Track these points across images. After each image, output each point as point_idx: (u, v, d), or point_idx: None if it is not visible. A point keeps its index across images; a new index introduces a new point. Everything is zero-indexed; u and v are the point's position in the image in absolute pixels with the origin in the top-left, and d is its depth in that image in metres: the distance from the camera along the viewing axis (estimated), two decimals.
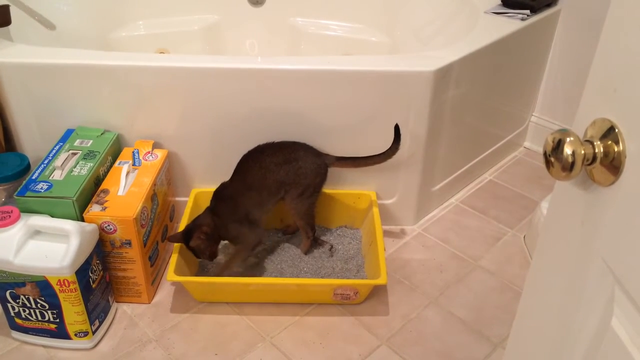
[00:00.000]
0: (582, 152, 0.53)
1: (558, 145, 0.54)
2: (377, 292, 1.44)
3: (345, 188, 1.59)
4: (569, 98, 1.87)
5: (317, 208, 1.50)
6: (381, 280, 1.33)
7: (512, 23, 1.64)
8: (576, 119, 0.59)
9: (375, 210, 1.53)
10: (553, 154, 0.54)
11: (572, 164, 0.53)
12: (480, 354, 1.30)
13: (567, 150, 0.53)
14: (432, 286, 1.47)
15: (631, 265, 0.52)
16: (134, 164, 1.41)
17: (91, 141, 1.42)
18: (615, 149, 0.52)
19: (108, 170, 1.40)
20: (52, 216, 1.26)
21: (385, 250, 1.41)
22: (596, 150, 0.54)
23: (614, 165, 0.53)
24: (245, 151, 1.50)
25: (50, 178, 1.30)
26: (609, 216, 0.55)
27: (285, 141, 1.46)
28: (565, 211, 0.63)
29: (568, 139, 0.53)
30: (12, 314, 1.26)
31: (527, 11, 1.69)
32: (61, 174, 1.31)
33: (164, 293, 1.44)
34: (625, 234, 0.52)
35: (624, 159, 0.52)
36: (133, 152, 1.45)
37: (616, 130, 0.53)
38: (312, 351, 1.30)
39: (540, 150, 1.99)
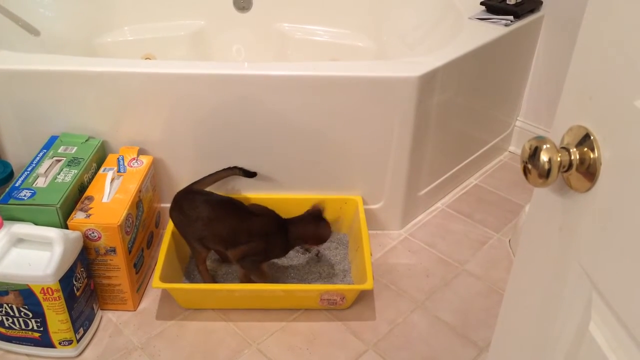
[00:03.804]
0: (559, 159, 0.54)
1: (535, 153, 0.54)
2: (364, 297, 1.45)
3: (332, 193, 1.60)
4: (552, 103, 1.89)
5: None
6: (367, 285, 1.33)
7: (496, 29, 1.66)
8: (553, 126, 0.60)
9: (362, 215, 1.53)
10: (530, 161, 0.55)
11: (549, 170, 0.54)
12: (467, 358, 1.31)
13: (544, 157, 0.54)
14: (418, 291, 1.48)
15: (607, 271, 0.52)
16: (118, 171, 1.41)
17: (75, 148, 1.41)
18: (591, 156, 0.53)
19: (92, 177, 1.39)
20: (36, 224, 1.25)
21: (371, 255, 1.42)
22: (572, 157, 0.54)
23: (589, 171, 0.54)
24: (232, 157, 1.51)
25: (34, 185, 1.29)
26: (586, 222, 0.55)
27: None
28: (543, 217, 0.64)
29: (544, 146, 0.54)
30: None
31: (511, 17, 1.70)
32: (45, 181, 1.30)
33: (150, 300, 1.43)
34: (601, 239, 0.53)
35: (599, 166, 0.52)
36: (118, 158, 1.44)
37: (592, 137, 0.53)
38: (298, 357, 1.30)
39: None
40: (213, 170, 1.49)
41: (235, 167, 1.51)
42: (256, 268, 1.38)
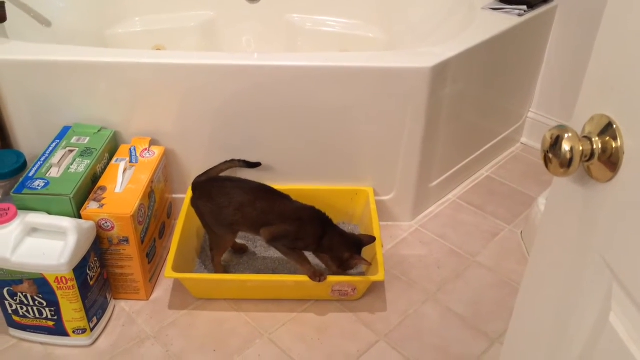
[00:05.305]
0: (580, 148, 0.53)
1: (556, 142, 0.54)
2: (375, 289, 1.45)
3: (343, 184, 1.59)
4: (565, 94, 1.88)
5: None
6: (379, 277, 1.33)
7: (509, 19, 1.64)
8: (574, 115, 0.59)
9: (373, 206, 1.53)
10: (551, 151, 0.54)
11: (570, 160, 0.53)
12: (478, 350, 1.30)
13: (565, 146, 0.53)
14: (429, 282, 1.48)
15: (629, 261, 0.52)
16: (131, 161, 1.41)
17: (88, 138, 1.42)
18: (613, 145, 0.53)
19: (105, 168, 1.39)
20: (50, 214, 1.25)
21: (382, 246, 1.41)
22: (594, 147, 0.54)
23: (611, 161, 0.53)
24: (242, 148, 1.51)
25: (47, 175, 1.29)
26: (607, 212, 0.55)
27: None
28: (563, 207, 0.63)
29: (566, 135, 0.53)
30: (10, 312, 1.26)
31: (524, 7, 1.69)
32: (58, 171, 1.31)
33: (162, 290, 1.44)
34: (622, 230, 0.53)
35: (622, 155, 0.52)
36: (130, 149, 1.45)
37: (614, 126, 0.53)
38: (310, 347, 1.30)
39: (538, 146, 2.00)
40: (222, 160, 1.49)
41: (234, 160, 1.49)
42: (291, 252, 1.35)
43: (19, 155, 1.40)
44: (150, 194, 1.37)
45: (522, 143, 2.04)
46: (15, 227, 1.20)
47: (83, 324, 1.26)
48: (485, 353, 1.30)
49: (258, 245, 1.55)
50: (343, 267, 1.35)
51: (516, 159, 1.96)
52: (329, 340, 1.32)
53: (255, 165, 1.52)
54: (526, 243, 1.60)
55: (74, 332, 1.27)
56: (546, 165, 0.56)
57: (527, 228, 1.61)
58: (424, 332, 1.34)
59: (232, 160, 1.49)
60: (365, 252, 1.49)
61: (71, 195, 1.25)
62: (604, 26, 0.55)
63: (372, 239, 1.37)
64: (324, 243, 1.33)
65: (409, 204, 1.64)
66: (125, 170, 1.37)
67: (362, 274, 1.46)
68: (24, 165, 1.38)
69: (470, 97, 1.64)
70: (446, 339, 1.33)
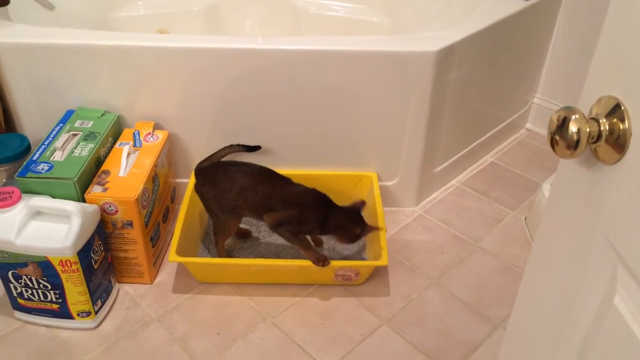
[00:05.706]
0: (587, 129, 0.53)
1: (563, 123, 0.53)
2: (378, 273, 1.45)
3: (346, 169, 1.59)
4: (571, 79, 1.86)
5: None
6: (382, 262, 1.33)
7: (516, 3, 1.63)
8: (582, 97, 0.59)
9: (377, 191, 1.52)
10: (558, 132, 0.54)
11: (577, 142, 0.53)
12: (481, 334, 1.31)
13: (572, 128, 0.52)
14: (432, 267, 1.48)
15: (635, 243, 0.51)
16: (134, 145, 1.41)
17: (92, 122, 1.42)
18: (621, 127, 0.52)
19: (109, 152, 1.39)
20: (53, 197, 1.26)
21: (386, 231, 1.41)
22: (601, 128, 0.53)
23: (619, 143, 0.52)
24: (245, 132, 1.50)
25: (51, 159, 1.29)
26: (613, 194, 0.54)
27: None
28: (568, 190, 0.63)
29: (573, 117, 0.53)
30: (15, 294, 1.27)
31: None
32: (62, 154, 1.31)
33: (166, 274, 1.45)
34: (629, 212, 0.52)
35: (630, 137, 0.51)
36: (134, 133, 1.44)
37: (622, 107, 0.52)
38: (313, 331, 1.31)
39: (543, 132, 1.99)
40: (226, 144, 1.48)
41: (233, 145, 1.48)
42: (295, 238, 1.34)
43: (23, 138, 1.40)
44: (154, 178, 1.37)
45: (527, 129, 2.03)
46: (19, 210, 1.20)
47: (87, 307, 1.27)
48: (488, 338, 1.30)
49: (261, 229, 1.55)
50: (354, 241, 1.36)
51: (521, 145, 1.95)
52: (332, 325, 1.32)
53: (254, 148, 1.51)
54: (530, 229, 1.59)
55: (78, 315, 1.28)
56: (552, 147, 0.55)
57: (531, 214, 1.61)
58: (426, 316, 1.35)
59: (232, 146, 1.49)
60: (368, 237, 1.49)
61: (75, 179, 1.25)
62: (613, 5, 0.54)
63: (362, 203, 1.37)
64: (329, 224, 1.33)
65: (412, 189, 1.64)
66: (129, 154, 1.37)
67: (364, 259, 1.46)
68: (27, 149, 1.38)
69: (475, 82, 1.62)
70: (449, 324, 1.33)
